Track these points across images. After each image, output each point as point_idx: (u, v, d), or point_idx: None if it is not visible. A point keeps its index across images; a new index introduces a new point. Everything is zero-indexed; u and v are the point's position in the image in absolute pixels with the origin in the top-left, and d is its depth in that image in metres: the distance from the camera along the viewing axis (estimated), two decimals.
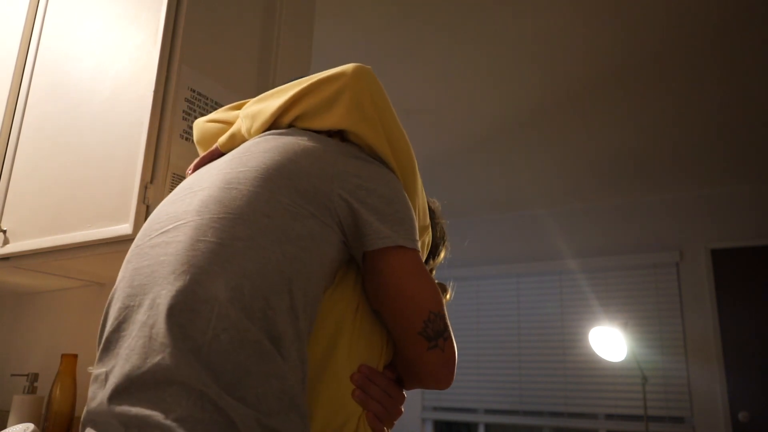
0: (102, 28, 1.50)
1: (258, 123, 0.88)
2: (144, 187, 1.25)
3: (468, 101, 3.08)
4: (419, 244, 0.82)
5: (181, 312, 0.67)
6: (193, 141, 1.35)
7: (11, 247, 1.50)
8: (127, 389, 0.67)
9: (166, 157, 1.28)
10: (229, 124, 0.95)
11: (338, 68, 0.86)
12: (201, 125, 1.00)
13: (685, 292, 3.93)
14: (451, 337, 0.80)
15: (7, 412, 1.70)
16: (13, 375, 1.71)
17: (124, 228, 1.25)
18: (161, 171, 1.27)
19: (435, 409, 4.55)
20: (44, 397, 1.63)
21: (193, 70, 1.36)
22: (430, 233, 1.02)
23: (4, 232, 1.53)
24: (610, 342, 3.64)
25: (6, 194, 1.58)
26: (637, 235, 4.18)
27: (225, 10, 1.48)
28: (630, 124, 3.20)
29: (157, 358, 0.66)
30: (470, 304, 4.65)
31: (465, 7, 2.34)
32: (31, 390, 1.64)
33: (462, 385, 4.50)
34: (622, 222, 4.25)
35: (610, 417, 4.01)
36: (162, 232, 0.77)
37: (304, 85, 0.85)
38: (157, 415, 0.63)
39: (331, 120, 0.84)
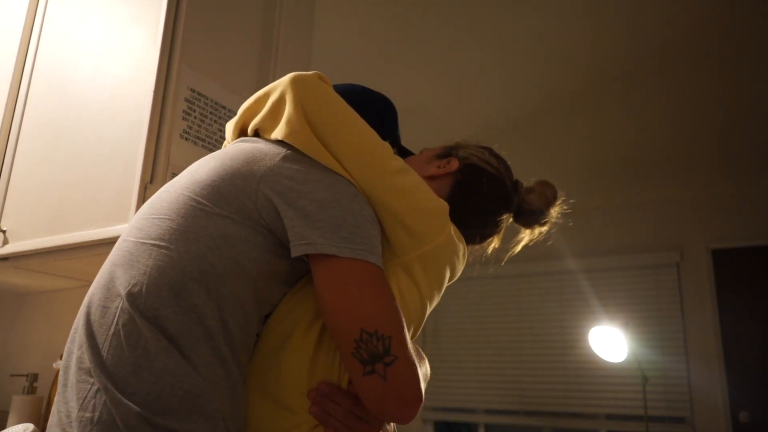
0: (102, 29, 1.50)
1: (228, 140, 0.94)
2: (144, 187, 1.25)
3: (466, 101, 3.08)
4: (371, 254, 0.73)
5: (97, 308, 0.72)
6: (192, 141, 1.36)
7: (11, 247, 1.50)
8: (65, 384, 0.73)
9: (166, 157, 1.28)
10: None
11: (275, 82, 0.86)
12: None
13: (686, 292, 3.92)
14: (401, 365, 0.69)
15: (7, 413, 1.70)
16: (12, 375, 1.71)
17: (124, 228, 1.25)
18: (161, 171, 1.27)
19: (435, 409, 4.55)
20: (44, 397, 1.63)
21: (193, 70, 1.36)
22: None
23: (4, 232, 1.53)
24: (610, 342, 3.64)
25: (6, 194, 1.58)
26: (637, 235, 4.17)
27: (225, 10, 1.48)
28: (630, 124, 3.20)
29: (78, 353, 0.72)
30: (471, 304, 4.65)
31: (466, 6, 2.34)
32: (31, 390, 1.64)
33: (462, 385, 4.49)
34: (622, 222, 4.24)
35: (610, 417, 4.00)
36: None
37: (250, 102, 0.89)
38: (72, 411, 0.68)
39: (274, 133, 0.82)
